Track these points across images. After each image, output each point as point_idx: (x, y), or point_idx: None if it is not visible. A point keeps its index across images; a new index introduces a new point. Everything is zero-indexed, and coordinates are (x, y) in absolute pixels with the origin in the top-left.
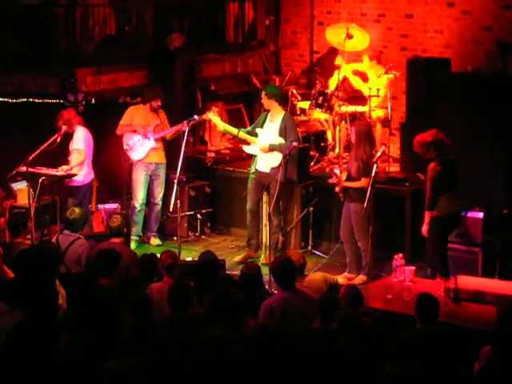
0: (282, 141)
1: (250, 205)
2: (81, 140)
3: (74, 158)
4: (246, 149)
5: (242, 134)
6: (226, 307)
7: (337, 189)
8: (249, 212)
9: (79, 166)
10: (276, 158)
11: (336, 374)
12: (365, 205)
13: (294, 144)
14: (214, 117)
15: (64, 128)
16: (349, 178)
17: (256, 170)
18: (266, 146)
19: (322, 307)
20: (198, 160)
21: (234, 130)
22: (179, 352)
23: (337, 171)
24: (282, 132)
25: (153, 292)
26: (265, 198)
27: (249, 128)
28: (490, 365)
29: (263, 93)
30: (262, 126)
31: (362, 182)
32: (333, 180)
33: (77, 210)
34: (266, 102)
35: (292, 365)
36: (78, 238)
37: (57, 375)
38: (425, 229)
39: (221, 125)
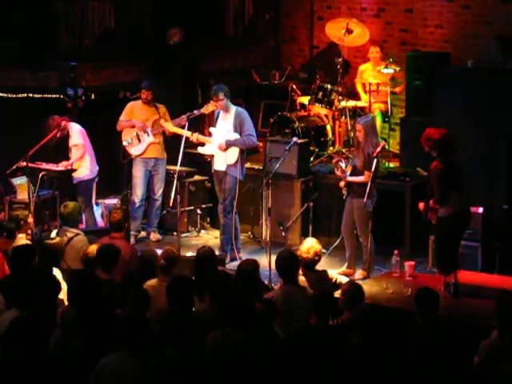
0: (237, 136)
1: (219, 207)
2: (77, 135)
3: (74, 154)
4: (201, 150)
5: (196, 136)
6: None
7: (341, 183)
8: (220, 214)
9: (79, 160)
10: (232, 155)
11: (332, 371)
12: (364, 199)
13: (295, 139)
14: (169, 125)
15: (64, 123)
16: (353, 173)
17: (214, 170)
18: (222, 144)
19: (317, 304)
20: (197, 155)
21: (187, 133)
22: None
23: (342, 164)
24: (237, 127)
25: (148, 289)
26: (264, 193)
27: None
28: (490, 359)
29: (221, 95)
30: (214, 126)
31: (366, 176)
32: (338, 173)
33: (70, 204)
34: (226, 102)
35: (288, 362)
36: (77, 234)
37: (53, 373)
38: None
39: (174, 130)
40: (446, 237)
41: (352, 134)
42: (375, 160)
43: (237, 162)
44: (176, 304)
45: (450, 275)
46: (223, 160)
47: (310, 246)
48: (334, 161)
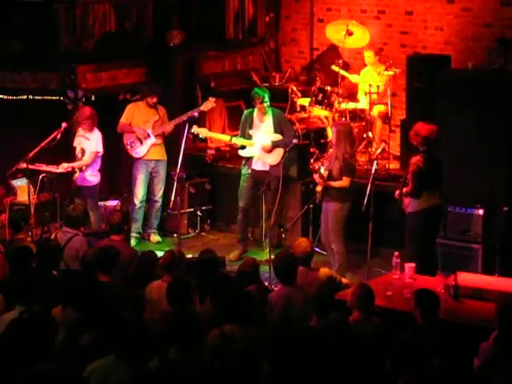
0: (279, 137)
1: (243, 203)
2: (100, 142)
3: (89, 157)
4: (243, 153)
5: (236, 139)
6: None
7: (318, 188)
8: (241, 210)
9: (86, 165)
10: (277, 156)
11: (332, 373)
12: (365, 201)
13: (294, 141)
14: (203, 131)
15: (64, 125)
16: (329, 178)
17: (252, 169)
18: (268, 145)
19: (318, 305)
20: (197, 157)
21: (226, 138)
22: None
23: (322, 169)
24: (277, 128)
25: (152, 290)
26: (264, 195)
27: (238, 135)
28: (490, 361)
29: (265, 97)
30: (250, 128)
31: (344, 181)
32: (317, 178)
33: (80, 207)
34: (268, 105)
35: (290, 364)
36: (75, 234)
37: (55, 374)
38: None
39: (211, 135)
40: (417, 232)
41: None
42: (375, 162)
43: (279, 162)
44: (176, 305)
45: (427, 275)
46: (266, 161)
47: (299, 241)
48: (316, 166)
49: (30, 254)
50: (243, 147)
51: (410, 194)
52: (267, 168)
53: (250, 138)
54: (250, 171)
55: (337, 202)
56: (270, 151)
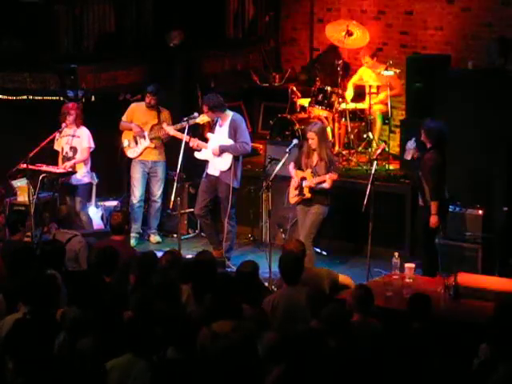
0: (231, 142)
1: (196, 209)
2: (89, 138)
3: (82, 155)
4: (198, 155)
5: (195, 141)
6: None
7: (308, 195)
8: (197, 216)
9: (81, 162)
10: (225, 161)
11: (333, 374)
12: (365, 202)
13: (295, 141)
14: (169, 129)
15: (64, 125)
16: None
17: (207, 174)
18: (216, 149)
19: (312, 305)
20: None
21: (186, 137)
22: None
23: (306, 182)
24: (232, 134)
25: None
26: (264, 195)
27: None
28: (488, 361)
29: (205, 108)
30: (212, 131)
31: (334, 175)
32: (307, 193)
33: (63, 208)
34: (211, 115)
35: (290, 363)
36: (74, 235)
37: (56, 374)
38: (434, 219)
39: (174, 132)
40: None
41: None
42: (375, 162)
43: (230, 168)
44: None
45: (448, 277)
46: (217, 166)
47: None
48: (296, 184)
49: (30, 254)
50: (200, 149)
51: (432, 190)
52: (218, 173)
53: (207, 140)
54: (205, 175)
55: (321, 205)
56: (218, 155)
